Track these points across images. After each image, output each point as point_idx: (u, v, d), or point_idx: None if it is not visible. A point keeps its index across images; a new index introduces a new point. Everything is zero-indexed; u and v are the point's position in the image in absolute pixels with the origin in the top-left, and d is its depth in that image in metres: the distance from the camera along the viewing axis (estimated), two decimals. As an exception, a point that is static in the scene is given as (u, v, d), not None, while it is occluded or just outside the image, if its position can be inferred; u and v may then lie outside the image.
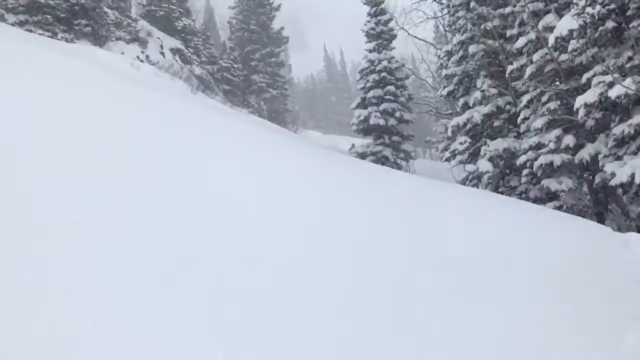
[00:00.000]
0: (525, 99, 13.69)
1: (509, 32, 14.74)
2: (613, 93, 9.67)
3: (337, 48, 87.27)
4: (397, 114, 23.42)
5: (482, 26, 15.52)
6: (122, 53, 19.31)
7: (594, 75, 10.70)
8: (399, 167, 23.00)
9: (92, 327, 1.80)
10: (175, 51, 26.59)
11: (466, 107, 16.38)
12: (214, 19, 57.09)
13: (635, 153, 10.09)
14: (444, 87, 18.66)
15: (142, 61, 19.72)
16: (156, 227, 2.48)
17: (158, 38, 25.32)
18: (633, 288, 3.60)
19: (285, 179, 3.90)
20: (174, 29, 29.92)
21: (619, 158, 10.42)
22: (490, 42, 15.61)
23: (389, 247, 3.06)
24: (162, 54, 24.50)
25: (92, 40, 18.23)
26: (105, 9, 19.87)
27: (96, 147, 3.29)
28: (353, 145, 24.46)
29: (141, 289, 2.09)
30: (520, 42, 13.61)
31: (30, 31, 15.70)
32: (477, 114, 15.29)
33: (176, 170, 3.33)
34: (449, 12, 20.60)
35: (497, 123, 15.46)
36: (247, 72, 38.36)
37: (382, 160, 22.59)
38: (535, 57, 13.00)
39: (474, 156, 16.05)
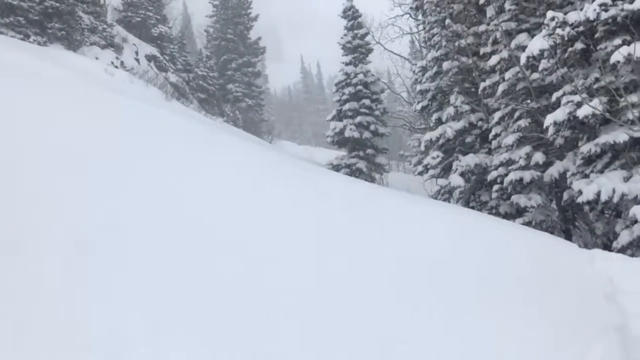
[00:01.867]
0: (497, 115, 13.96)
1: (482, 50, 15.04)
2: (581, 113, 9.93)
3: (314, 60, 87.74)
4: (372, 127, 23.62)
5: (457, 43, 15.80)
6: (97, 58, 19.06)
7: (563, 95, 10.97)
8: (373, 180, 23.16)
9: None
10: (150, 58, 26.39)
11: (439, 122, 16.60)
12: (191, 27, 56.91)
13: (601, 171, 10.36)
14: (418, 102, 18.89)
15: (116, 67, 19.49)
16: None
17: (133, 44, 25.11)
18: (598, 302, 3.68)
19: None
20: (150, 35, 29.71)
21: (586, 176, 10.68)
22: (464, 59, 15.89)
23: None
24: (137, 60, 24.28)
25: (65, 44, 17.96)
26: (80, 14, 19.59)
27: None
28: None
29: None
30: (493, 60, 13.90)
31: (1, 33, 15.40)
32: (449, 130, 15.51)
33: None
34: (424, 28, 20.90)
35: (469, 139, 15.71)
36: (223, 81, 38.25)
37: (356, 173, 22.71)
38: (508, 75, 13.28)
39: (446, 171, 16.26)
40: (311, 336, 2.04)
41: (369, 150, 23.97)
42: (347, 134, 23.28)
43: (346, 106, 23.68)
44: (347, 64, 24.47)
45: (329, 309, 2.24)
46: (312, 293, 2.33)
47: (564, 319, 2.87)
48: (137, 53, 24.87)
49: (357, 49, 24.56)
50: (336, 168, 22.75)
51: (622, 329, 3.14)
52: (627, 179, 9.64)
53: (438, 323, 2.31)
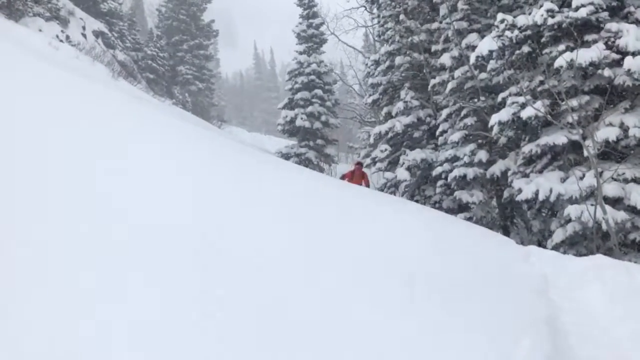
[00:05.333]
0: (444, 112, 14.25)
1: (434, 48, 15.28)
2: (525, 114, 10.25)
3: (267, 46, 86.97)
4: (323, 117, 23.67)
5: (409, 39, 15.98)
6: (40, 30, 18.22)
7: (508, 96, 11.30)
8: (321, 170, 23.24)
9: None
10: (98, 34, 25.46)
11: (389, 116, 16.80)
12: (142, 4, 55.31)
13: (540, 172, 10.76)
14: (370, 95, 19.04)
15: (61, 41, 18.69)
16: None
17: (80, 19, 24.14)
18: (530, 297, 3.82)
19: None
20: (98, 11, 28.66)
21: (526, 175, 11.06)
22: (416, 55, 16.10)
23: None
24: (84, 35, 23.37)
25: (6, 13, 17.06)
26: (23, -18, 18.64)
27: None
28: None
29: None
30: (444, 58, 14.16)
31: None
32: (398, 124, 15.72)
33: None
34: (379, 22, 21.05)
35: (416, 134, 15.97)
36: (173, 63, 37.42)
37: (305, 162, 22.72)
38: (457, 73, 13.57)
39: (393, 164, 16.49)
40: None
41: (319, 141, 24.03)
42: (298, 123, 23.25)
43: (298, 95, 23.63)
44: (300, 53, 24.39)
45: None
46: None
47: (496, 312, 2.97)
48: (84, 28, 23.94)
49: (312, 38, 24.51)
50: (286, 157, 22.70)
51: (551, 322, 3.28)
52: (563, 180, 10.04)
53: (377, 319, 2.34)
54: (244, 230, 2.91)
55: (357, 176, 13.18)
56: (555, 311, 3.63)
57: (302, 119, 23.23)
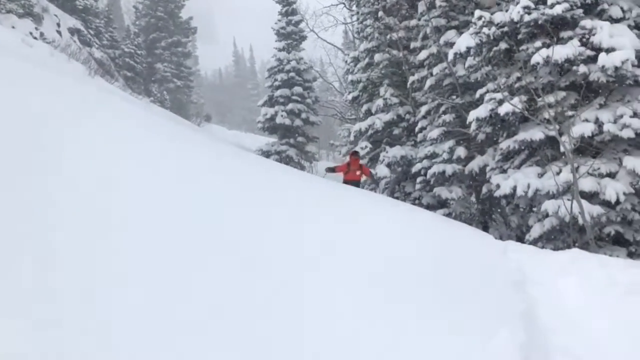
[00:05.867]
0: (423, 109, 14.33)
1: (412, 45, 15.35)
2: (502, 110, 10.35)
3: (246, 44, 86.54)
4: (303, 115, 23.66)
5: (388, 36, 16.04)
6: (13, 27, 17.89)
7: (486, 92, 11.39)
8: (302, 168, 23.23)
9: None
10: (73, 31, 25.09)
11: (369, 113, 16.85)
12: (118, 1, 54.62)
13: (518, 167, 10.88)
14: (350, 93, 19.09)
15: (35, 38, 18.38)
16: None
17: (55, 15, 23.75)
18: (508, 290, 3.86)
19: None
20: (74, 7, 28.24)
21: (504, 171, 11.18)
22: (395, 52, 16.16)
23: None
24: (59, 32, 23.01)
25: (-22, 10, 16.73)
26: (-4, -22, 18.30)
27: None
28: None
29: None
30: (423, 54, 14.23)
31: None
32: (378, 121, 15.77)
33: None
34: (358, 19, 21.09)
35: (396, 131, 16.05)
36: (151, 60, 37.06)
37: (286, 160, 22.70)
38: (435, 70, 13.65)
39: (373, 161, 16.55)
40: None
41: (300, 138, 24.03)
42: (278, 120, 23.21)
43: (278, 92, 23.59)
44: (280, 50, 24.34)
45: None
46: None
47: (475, 306, 2.99)
48: (59, 25, 23.56)
49: (291, 35, 24.47)
50: (266, 154, 22.65)
51: (528, 315, 3.32)
52: (541, 175, 10.17)
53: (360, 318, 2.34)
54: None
55: (353, 169, 11.26)
56: (532, 304, 3.68)
57: (282, 116, 23.20)
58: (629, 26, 9.89)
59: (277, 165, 6.89)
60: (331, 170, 11.83)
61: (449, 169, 12.95)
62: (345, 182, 11.22)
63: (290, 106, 23.39)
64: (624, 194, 9.06)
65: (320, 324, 2.13)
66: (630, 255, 9.47)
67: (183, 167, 3.55)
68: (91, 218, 2.20)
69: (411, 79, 14.92)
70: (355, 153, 11.81)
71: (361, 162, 12.41)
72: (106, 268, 1.92)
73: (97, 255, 1.99)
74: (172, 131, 4.99)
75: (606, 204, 9.31)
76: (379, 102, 16.09)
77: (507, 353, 2.48)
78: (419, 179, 14.34)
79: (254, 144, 29.20)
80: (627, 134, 9.14)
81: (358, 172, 11.30)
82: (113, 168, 2.81)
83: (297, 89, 23.65)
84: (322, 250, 2.93)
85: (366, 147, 16.27)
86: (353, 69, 18.94)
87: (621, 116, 9.31)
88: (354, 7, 24.17)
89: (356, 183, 11.34)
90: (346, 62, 21.52)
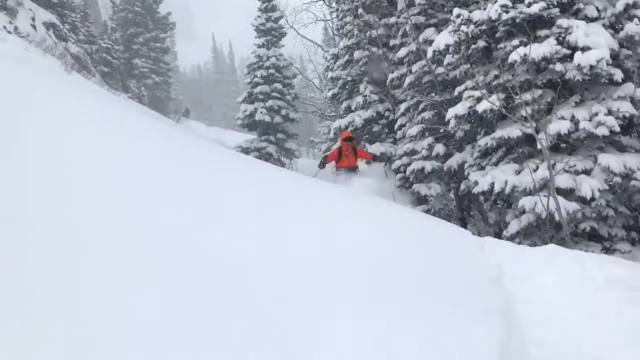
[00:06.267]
0: (403, 106, 14.40)
1: (392, 42, 15.40)
2: (480, 107, 10.46)
3: (226, 40, 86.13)
4: (283, 111, 23.62)
5: (368, 33, 16.07)
6: (-14, 21, 17.51)
7: (465, 90, 11.49)
8: (282, 165, 23.20)
9: None
10: (49, 25, 24.63)
11: (349, 110, 16.89)
12: (95, -5, 53.74)
13: (496, 164, 11.00)
14: (329, 90, 19.09)
15: (9, 32, 18.02)
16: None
17: (30, 9, 23.29)
18: (485, 286, 3.91)
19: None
20: (49, 1, 27.72)
21: (482, 168, 11.30)
22: (374, 49, 16.21)
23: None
24: (34, 27, 22.56)
25: (-51, 3, 16.32)
26: (-33, -30, 17.88)
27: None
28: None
29: None
30: (402, 52, 14.29)
31: None
32: (358, 118, 15.82)
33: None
34: (337, 16, 21.09)
35: (376, 128, 16.11)
36: (128, 56, 36.63)
37: (265, 157, 22.64)
38: (415, 67, 13.72)
39: (353, 158, 16.60)
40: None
41: (280, 135, 23.97)
42: (257, 117, 23.12)
43: (258, 89, 23.50)
44: (260, 46, 24.24)
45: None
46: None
47: (451, 302, 3.02)
48: (33, 19, 23.10)
49: (271, 31, 24.38)
50: (245, 151, 22.55)
51: (505, 310, 3.36)
52: (518, 172, 10.30)
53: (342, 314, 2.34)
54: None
55: (346, 155, 10.28)
56: (510, 299, 3.73)
57: (262, 112, 23.12)
58: (603, 25, 10.06)
59: (243, 156, 6.82)
60: (322, 165, 10.71)
61: (428, 165, 13.05)
62: (339, 169, 10.49)
63: (270, 103, 23.32)
64: (599, 190, 9.23)
65: (299, 324, 2.12)
66: (605, 250, 9.65)
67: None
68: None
69: (390, 76, 14.98)
70: (349, 138, 10.59)
71: (355, 144, 10.97)
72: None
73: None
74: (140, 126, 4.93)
75: (582, 200, 9.48)
76: (359, 99, 16.13)
77: (485, 348, 2.51)
78: (398, 176, 14.43)
79: (233, 140, 29.06)
80: (602, 131, 9.30)
81: (353, 157, 10.41)
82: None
83: (277, 86, 23.59)
84: (291, 250, 2.91)
85: (346, 144, 16.28)
86: (333, 66, 18.96)
87: (596, 114, 9.48)
88: (333, 4, 24.17)
89: (352, 169, 10.47)
90: (326, 59, 21.55)
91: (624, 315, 3.42)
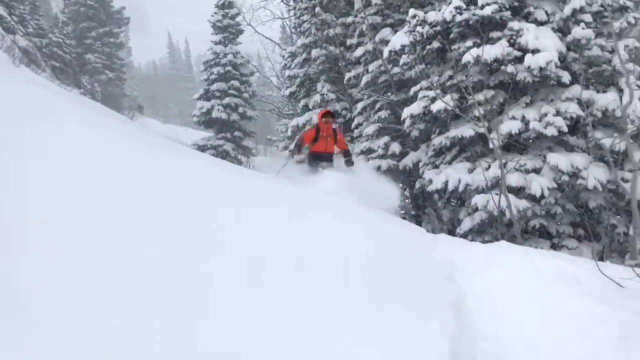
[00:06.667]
0: (360, 106, 14.51)
1: (349, 41, 15.50)
2: (435, 107, 10.64)
3: (181, 35, 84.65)
4: (240, 109, 23.45)
5: (325, 32, 16.12)
6: None
7: (420, 90, 11.68)
8: (240, 163, 23.01)
9: None
10: (-5, 17, 23.71)
11: (306, 109, 16.90)
12: (45, -13, 52.00)
13: (449, 163, 11.22)
14: (287, 88, 19.06)
15: (-49, 23, 17.22)
16: None
17: (-26, 0, 22.35)
18: (438, 282, 3.97)
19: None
20: (-5, -8, 26.68)
21: (436, 166, 11.50)
22: (331, 48, 16.27)
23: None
24: (-22, 18, 21.67)
25: None
26: None
27: None
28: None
29: None
30: (359, 51, 14.40)
31: None
32: (315, 117, 15.82)
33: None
34: (295, 14, 21.07)
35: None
36: (81, 50, 35.61)
37: (222, 155, 22.40)
38: (371, 67, 13.85)
39: (310, 156, 16.61)
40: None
41: (237, 133, 23.78)
42: (214, 114, 22.88)
43: (214, 86, 23.24)
44: (216, 43, 23.98)
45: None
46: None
47: (404, 298, 3.05)
48: (-23, 10, 22.19)
49: (228, 28, 24.15)
50: (202, 149, 22.27)
51: (458, 306, 3.42)
52: (471, 171, 10.54)
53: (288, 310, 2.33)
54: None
55: (324, 137, 7.74)
56: (462, 294, 3.81)
57: (218, 110, 22.88)
58: (552, 29, 10.40)
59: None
60: (295, 150, 8.00)
61: (384, 164, 13.18)
62: (314, 155, 7.89)
63: (226, 100, 23.10)
64: (548, 188, 9.54)
65: (249, 321, 2.11)
66: (553, 246, 9.98)
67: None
68: None
69: (347, 75, 15.07)
70: (329, 114, 8.00)
71: (335, 126, 8.27)
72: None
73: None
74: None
75: (532, 198, 9.77)
76: (316, 97, 16.16)
77: (437, 342, 2.55)
78: (355, 174, 14.52)
79: (190, 138, 28.64)
80: (551, 131, 9.62)
81: (332, 141, 7.86)
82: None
83: (234, 83, 23.39)
84: (243, 251, 2.89)
85: (303, 142, 16.28)
86: (290, 64, 18.91)
87: (545, 115, 9.80)
88: (291, 2, 24.11)
89: (328, 157, 7.93)
90: (284, 57, 21.45)
91: (571, 308, 3.54)
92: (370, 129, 13.57)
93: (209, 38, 24.45)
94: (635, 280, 4.14)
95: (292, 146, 7.50)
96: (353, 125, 14.87)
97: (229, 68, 23.39)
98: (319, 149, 7.83)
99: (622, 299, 3.79)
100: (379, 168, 13.22)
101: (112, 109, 26.14)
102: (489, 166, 10.21)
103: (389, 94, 13.96)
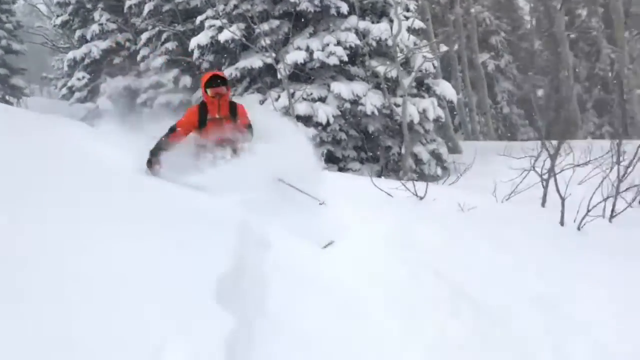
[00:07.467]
0: (144, 37, 13.62)
1: (127, -35, 14.22)
2: (222, 37, 10.42)
3: None
4: (4, 42, 20.40)
5: (99, -47, 14.56)
6: None
7: (206, 19, 11.29)
8: (10, 104, 20.24)
9: None
10: None
11: (84, 40, 15.31)
12: None
13: (241, 95, 11.20)
14: (58, 16, 16.95)
15: None
16: None
17: None
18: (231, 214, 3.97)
19: None
20: None
21: (228, 98, 11.39)
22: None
23: None
24: None
25: None
26: None
27: None
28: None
29: None
30: (139, -23, 13.34)
31: None
32: (95, 49, 14.50)
33: None
34: None
35: (117, 60, 14.97)
36: None
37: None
38: (154, -5, 12.97)
39: (93, 94, 15.24)
40: None
41: (2, 70, 20.76)
42: (-31, 48, 19.58)
43: (-34, 15, 19.75)
44: (-37, -38, 20.21)
45: None
46: None
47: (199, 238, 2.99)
48: None
49: (-24, -56, 20.44)
50: (-42, 90, 19.05)
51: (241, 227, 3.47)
52: (262, 102, 10.66)
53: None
54: None
55: (218, 120, 4.38)
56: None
57: (-26, 43, 19.62)
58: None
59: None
60: (155, 154, 4.23)
61: (176, 99, 12.70)
62: (202, 149, 4.50)
63: (-16, 32, 19.86)
64: (333, 116, 10.11)
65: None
66: (340, 170, 10.73)
67: None
68: None
69: (128, 3, 13.89)
70: (218, 79, 4.48)
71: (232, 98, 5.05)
72: None
73: None
74: None
75: (319, 125, 10.28)
76: (95, 27, 14.73)
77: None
78: (145, 110, 13.76)
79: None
80: (333, 61, 10.10)
81: (230, 123, 4.49)
82: None
83: (-7, 12, 20.14)
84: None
85: (84, 78, 14.90)
86: (60, -11, 16.79)
87: (327, 44, 10.21)
88: None
89: (224, 148, 4.55)
90: (52, -20, 18.99)
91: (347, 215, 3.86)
92: (158, 62, 12.87)
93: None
94: (402, 190, 4.67)
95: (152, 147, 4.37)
96: (139, 58, 13.92)
97: (-17, -7, 20.00)
98: (210, 140, 4.48)
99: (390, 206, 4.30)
100: (169, 104, 12.72)
101: None
102: (279, 96, 10.41)
103: (175, 24, 13.27)
